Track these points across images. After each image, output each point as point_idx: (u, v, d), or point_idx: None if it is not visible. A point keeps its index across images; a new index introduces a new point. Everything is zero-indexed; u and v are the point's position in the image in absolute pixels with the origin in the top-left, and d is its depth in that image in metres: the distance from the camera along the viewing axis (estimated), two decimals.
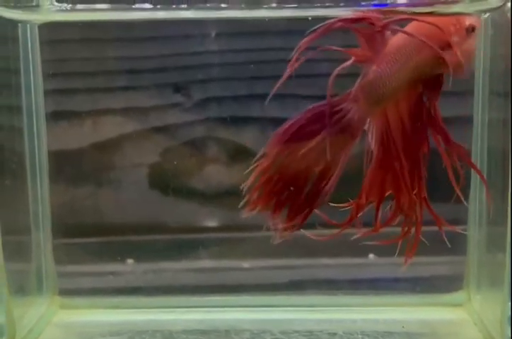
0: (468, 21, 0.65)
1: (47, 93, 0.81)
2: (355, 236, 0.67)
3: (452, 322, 0.80)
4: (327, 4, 0.69)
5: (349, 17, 0.63)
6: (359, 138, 0.65)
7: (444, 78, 0.65)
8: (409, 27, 0.65)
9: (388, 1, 0.70)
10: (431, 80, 0.65)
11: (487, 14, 0.74)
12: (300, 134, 0.64)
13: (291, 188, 0.65)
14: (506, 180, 0.71)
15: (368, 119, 0.65)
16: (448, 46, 0.64)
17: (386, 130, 0.65)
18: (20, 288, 0.78)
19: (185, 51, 0.82)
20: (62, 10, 0.74)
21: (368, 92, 0.64)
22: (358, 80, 0.64)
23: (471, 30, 0.64)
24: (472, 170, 0.79)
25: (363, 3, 0.68)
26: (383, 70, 0.64)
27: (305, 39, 0.62)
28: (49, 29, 0.79)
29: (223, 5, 0.70)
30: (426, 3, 0.69)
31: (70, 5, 0.74)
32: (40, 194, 0.82)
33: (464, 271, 0.82)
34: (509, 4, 0.69)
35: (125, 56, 0.83)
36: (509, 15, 0.69)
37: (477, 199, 0.80)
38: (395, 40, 0.65)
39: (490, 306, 0.76)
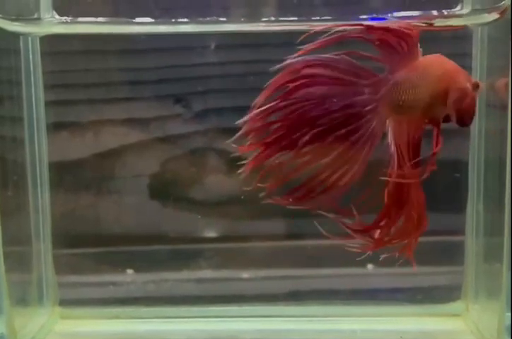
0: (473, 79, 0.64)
1: (48, 104, 0.82)
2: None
3: (450, 332, 0.80)
4: (326, 17, 0.70)
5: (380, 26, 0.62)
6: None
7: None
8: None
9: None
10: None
11: None
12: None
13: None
14: (503, 191, 0.72)
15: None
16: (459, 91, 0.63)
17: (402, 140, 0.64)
18: (22, 298, 0.79)
19: (185, 63, 0.83)
20: (63, 23, 0.75)
21: (392, 95, 0.63)
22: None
23: (475, 87, 0.63)
24: (470, 181, 0.80)
25: (361, 17, 0.69)
26: (413, 77, 0.63)
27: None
28: (51, 41, 0.79)
29: (222, 19, 0.71)
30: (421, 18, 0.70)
31: (71, 18, 0.75)
32: (41, 205, 0.83)
33: (462, 281, 0.83)
34: (509, 17, 0.70)
35: (126, 68, 0.84)
36: (509, 27, 0.70)
37: (474, 210, 0.80)
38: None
39: (487, 316, 0.77)
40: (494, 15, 0.71)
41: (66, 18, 0.75)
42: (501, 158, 0.73)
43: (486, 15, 0.71)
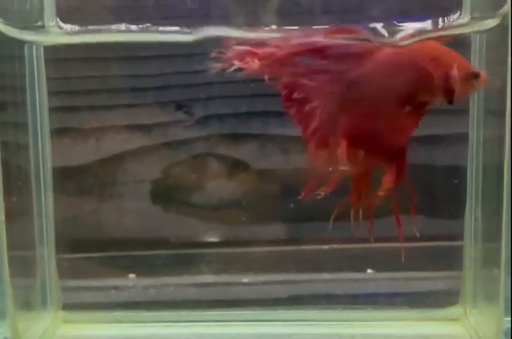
0: (475, 69, 0.65)
1: (51, 110, 0.83)
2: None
3: (448, 336, 0.81)
4: (327, 26, 0.70)
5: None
6: None
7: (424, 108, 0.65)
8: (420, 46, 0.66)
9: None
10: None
11: None
12: None
13: None
14: (501, 197, 0.72)
15: None
16: (444, 77, 0.64)
17: None
18: (25, 302, 0.79)
19: (187, 69, 0.84)
20: (67, 32, 0.76)
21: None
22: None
23: (473, 76, 0.64)
24: (469, 187, 0.81)
25: (363, 24, 0.70)
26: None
27: None
28: (54, 48, 0.80)
29: (225, 27, 0.72)
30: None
31: (75, 27, 0.75)
32: (45, 210, 0.83)
33: (461, 286, 0.83)
34: (509, 22, 0.70)
35: (128, 75, 0.85)
36: (509, 33, 0.70)
37: (473, 216, 0.81)
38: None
39: (486, 321, 0.77)
40: (494, 22, 0.71)
41: (70, 26, 0.75)
42: (499, 164, 0.73)
43: (486, 22, 0.72)
